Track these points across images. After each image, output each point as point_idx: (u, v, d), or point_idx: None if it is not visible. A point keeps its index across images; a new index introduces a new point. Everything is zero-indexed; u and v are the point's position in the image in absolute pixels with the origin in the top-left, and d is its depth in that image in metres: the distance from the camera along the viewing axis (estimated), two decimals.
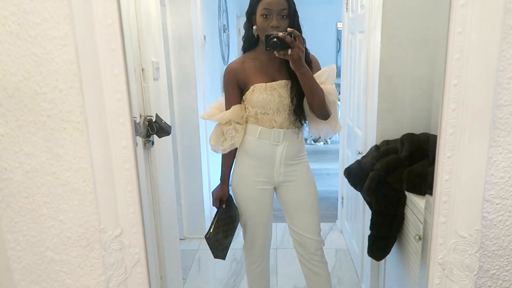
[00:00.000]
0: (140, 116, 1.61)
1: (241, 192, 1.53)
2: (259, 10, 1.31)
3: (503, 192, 0.87)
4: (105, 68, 0.77)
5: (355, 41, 2.17)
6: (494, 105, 0.81)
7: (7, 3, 0.82)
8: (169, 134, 1.73)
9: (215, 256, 1.59)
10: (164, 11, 2.37)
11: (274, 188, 1.55)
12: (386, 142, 1.73)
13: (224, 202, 1.58)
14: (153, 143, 1.66)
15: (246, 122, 1.47)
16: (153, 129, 1.62)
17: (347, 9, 2.38)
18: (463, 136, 0.80)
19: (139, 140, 1.55)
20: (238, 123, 1.45)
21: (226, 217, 1.59)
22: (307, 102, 1.38)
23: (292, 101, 1.38)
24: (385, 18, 1.65)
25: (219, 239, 1.56)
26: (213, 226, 1.56)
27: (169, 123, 1.91)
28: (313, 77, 1.31)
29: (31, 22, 0.82)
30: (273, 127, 1.42)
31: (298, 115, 1.41)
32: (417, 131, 1.65)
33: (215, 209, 1.61)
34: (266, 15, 1.30)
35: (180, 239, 2.63)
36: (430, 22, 1.61)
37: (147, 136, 1.62)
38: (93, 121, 0.80)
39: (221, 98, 1.54)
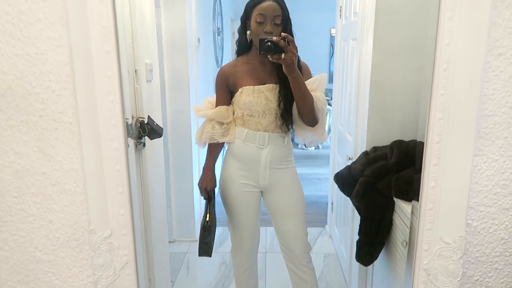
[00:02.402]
0: (132, 118, 1.61)
1: (228, 194, 1.54)
2: (254, 15, 1.35)
3: (487, 200, 0.90)
4: (98, 70, 0.78)
5: (348, 47, 2.20)
6: (479, 115, 0.84)
7: (2, 2, 0.82)
8: (160, 136, 1.72)
9: (201, 254, 1.55)
10: (158, 13, 2.37)
11: (261, 192, 1.56)
12: (375, 149, 1.75)
13: (213, 193, 1.57)
14: (144, 145, 1.66)
15: (234, 124, 1.49)
16: (144, 130, 1.62)
17: (340, 15, 2.41)
18: (448, 145, 0.82)
19: (131, 141, 1.55)
20: (219, 122, 1.48)
21: (213, 212, 1.57)
22: (297, 107, 1.40)
23: (279, 105, 1.41)
24: (378, 26, 1.68)
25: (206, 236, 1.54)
26: (208, 216, 1.54)
27: (161, 125, 1.91)
28: (304, 82, 1.34)
29: (26, 22, 0.82)
30: (259, 130, 1.44)
31: (285, 119, 1.43)
32: (406, 137, 1.68)
33: (204, 212, 1.60)
34: (261, 21, 1.33)
35: (169, 242, 2.63)
36: (421, 32, 1.64)
37: (139, 137, 1.62)
38: (85, 122, 0.80)
39: (210, 98, 1.58)
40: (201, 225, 1.55)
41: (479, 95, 0.81)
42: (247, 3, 1.40)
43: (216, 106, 1.51)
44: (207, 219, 1.53)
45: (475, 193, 0.88)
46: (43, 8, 0.82)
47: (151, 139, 1.68)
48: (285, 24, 1.36)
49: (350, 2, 2.15)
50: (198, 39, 2.71)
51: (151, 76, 1.83)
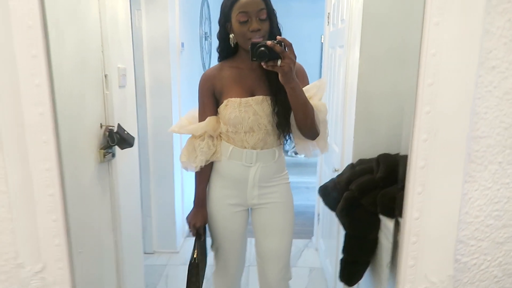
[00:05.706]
0: (101, 126, 1.50)
1: (213, 216, 1.39)
2: (235, 15, 1.17)
3: (478, 232, 0.79)
4: (24, 78, 0.66)
5: (335, 55, 2.11)
6: (469, 136, 0.73)
7: None
8: (131, 146, 1.61)
9: None
10: (139, 16, 2.28)
11: (249, 209, 1.42)
12: (362, 161, 1.66)
13: (203, 230, 1.41)
14: (113, 155, 1.55)
15: (220, 139, 1.33)
16: (113, 140, 1.51)
17: (328, 22, 2.32)
18: (435, 170, 0.71)
19: (95, 153, 1.44)
20: (211, 136, 1.31)
21: (203, 248, 1.42)
22: (295, 120, 1.24)
23: (272, 119, 1.25)
24: (364, 34, 1.59)
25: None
26: (196, 252, 1.38)
27: (136, 134, 1.80)
28: (303, 92, 1.16)
29: None
30: (245, 147, 1.28)
31: (279, 134, 1.28)
32: (393, 151, 1.58)
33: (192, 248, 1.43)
34: (244, 19, 1.16)
35: (149, 253, 2.52)
36: (409, 40, 1.55)
37: (108, 147, 1.51)
38: (9, 138, 0.68)
39: (192, 111, 1.39)
40: (189, 262, 1.38)
41: (470, 114, 0.70)
42: (223, 3, 1.23)
43: (201, 117, 1.32)
44: (195, 255, 1.36)
45: (465, 225, 0.77)
46: None
47: (121, 149, 1.58)
48: (272, 17, 1.20)
49: (337, 9, 2.06)
50: (182, 44, 2.61)
51: (125, 82, 1.73)
